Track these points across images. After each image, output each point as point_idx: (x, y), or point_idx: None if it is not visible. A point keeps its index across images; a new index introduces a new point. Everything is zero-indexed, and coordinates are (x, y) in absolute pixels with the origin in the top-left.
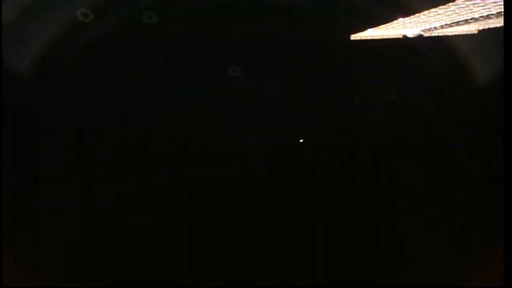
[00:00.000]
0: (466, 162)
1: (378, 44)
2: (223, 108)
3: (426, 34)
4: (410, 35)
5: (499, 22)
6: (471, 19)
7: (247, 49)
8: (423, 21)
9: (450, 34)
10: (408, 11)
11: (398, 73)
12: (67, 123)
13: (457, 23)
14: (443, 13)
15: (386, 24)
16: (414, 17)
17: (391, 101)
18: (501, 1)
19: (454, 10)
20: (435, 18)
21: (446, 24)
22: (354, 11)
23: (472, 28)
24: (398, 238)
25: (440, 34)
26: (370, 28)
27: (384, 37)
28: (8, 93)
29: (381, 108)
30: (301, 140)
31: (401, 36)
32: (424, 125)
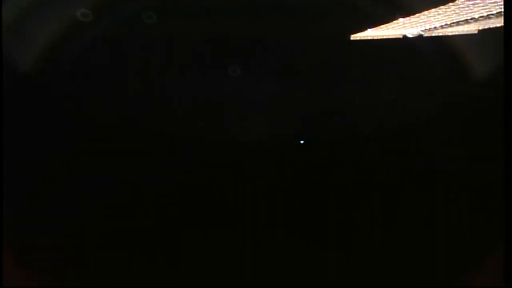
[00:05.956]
0: (465, 161)
1: (378, 44)
2: (223, 107)
3: (426, 34)
4: (410, 35)
5: (499, 22)
6: (471, 19)
7: (247, 49)
8: (423, 21)
9: (450, 34)
10: (408, 11)
11: (398, 73)
12: (68, 122)
13: (457, 23)
14: (443, 13)
15: (386, 24)
16: (414, 17)
17: (391, 101)
18: (501, 1)
19: (454, 10)
20: (435, 18)
21: (446, 24)
22: (354, 11)
23: (472, 28)
24: (399, 237)
25: (440, 34)
26: (370, 28)
27: (384, 37)
28: (8, 91)
29: (381, 107)
30: (301, 141)
31: (401, 36)
32: (423, 124)
